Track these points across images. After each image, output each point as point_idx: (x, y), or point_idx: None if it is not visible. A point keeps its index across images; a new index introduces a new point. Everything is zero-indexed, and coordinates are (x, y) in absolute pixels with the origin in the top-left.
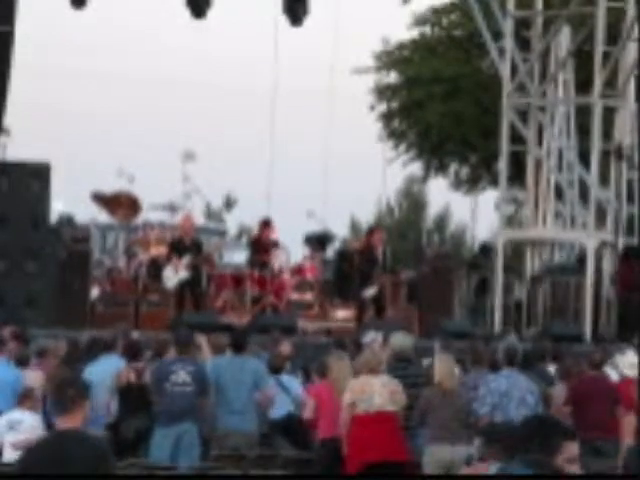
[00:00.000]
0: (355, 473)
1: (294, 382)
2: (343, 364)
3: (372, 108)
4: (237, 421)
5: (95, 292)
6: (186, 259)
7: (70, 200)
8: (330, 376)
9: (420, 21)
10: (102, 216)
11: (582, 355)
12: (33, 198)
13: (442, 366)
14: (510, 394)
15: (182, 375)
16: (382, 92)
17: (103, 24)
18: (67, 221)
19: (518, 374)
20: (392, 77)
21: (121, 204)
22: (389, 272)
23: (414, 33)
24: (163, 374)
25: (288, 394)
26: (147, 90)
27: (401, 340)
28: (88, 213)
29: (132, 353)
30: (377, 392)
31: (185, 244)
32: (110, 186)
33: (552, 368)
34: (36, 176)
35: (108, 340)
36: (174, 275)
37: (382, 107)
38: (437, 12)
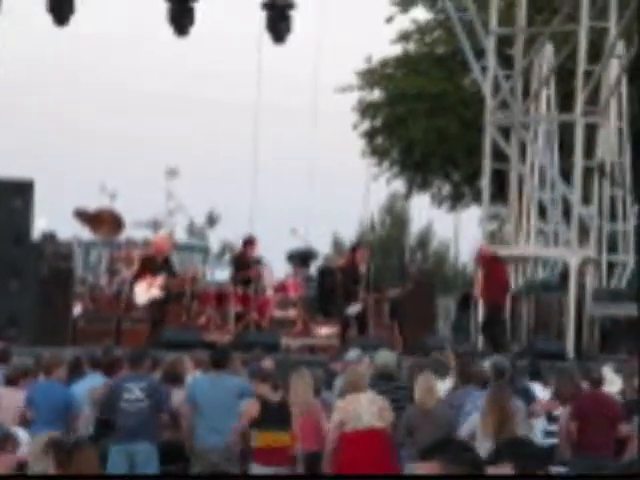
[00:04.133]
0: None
1: None
2: (299, 381)
3: (355, 127)
4: (216, 439)
5: (77, 309)
6: (160, 279)
7: (53, 217)
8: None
9: (403, 38)
10: (85, 233)
11: (567, 372)
12: (16, 215)
13: (422, 385)
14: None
15: (136, 392)
16: (365, 109)
17: (86, 39)
18: (50, 238)
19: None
20: (375, 94)
21: (104, 221)
22: (373, 289)
23: (397, 50)
24: (117, 391)
25: None
26: (130, 106)
27: (384, 357)
28: (71, 230)
29: (112, 370)
30: (365, 409)
31: (156, 262)
32: (93, 203)
33: (536, 386)
34: (19, 193)
35: (93, 358)
36: (145, 292)
37: (366, 125)
38: (420, 30)
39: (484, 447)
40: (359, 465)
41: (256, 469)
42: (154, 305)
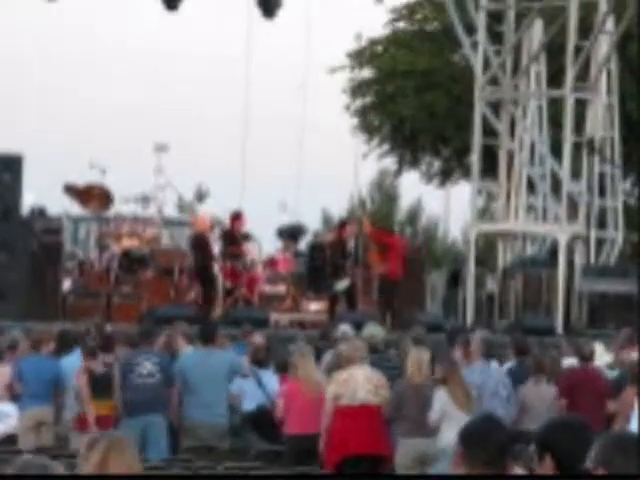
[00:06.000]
0: (340, 466)
1: (269, 376)
2: (307, 360)
3: (347, 108)
4: (206, 414)
5: (67, 284)
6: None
7: (42, 192)
8: (296, 374)
9: (394, 20)
10: (74, 208)
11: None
12: (5, 190)
13: (413, 360)
14: (484, 387)
15: (147, 366)
16: (356, 88)
17: (72, 17)
18: (39, 213)
19: (491, 367)
20: (366, 72)
21: (93, 196)
22: (361, 265)
23: (387, 29)
24: (128, 366)
25: (263, 388)
26: (118, 80)
27: (371, 329)
28: (60, 205)
29: (104, 345)
30: (361, 385)
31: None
32: (82, 178)
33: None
34: (8, 168)
35: (81, 333)
36: None
37: (357, 103)
38: (411, 7)
39: (456, 420)
40: (350, 440)
41: (79, 437)
42: None
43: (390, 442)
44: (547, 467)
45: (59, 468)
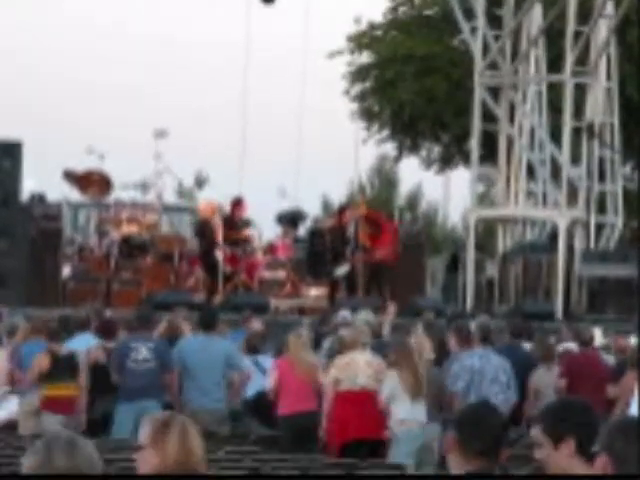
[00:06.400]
0: (341, 450)
1: (269, 361)
2: (300, 341)
3: (347, 92)
4: (205, 400)
5: (67, 270)
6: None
7: (41, 178)
8: (289, 354)
9: (394, 9)
10: (73, 194)
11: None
12: (4, 176)
13: (415, 345)
14: (483, 372)
15: (143, 351)
16: (356, 73)
17: (71, 3)
18: (38, 199)
19: (491, 352)
20: (365, 57)
21: (93, 182)
22: (361, 251)
23: (387, 14)
24: (124, 351)
25: (263, 373)
26: (117, 66)
27: (365, 316)
28: (59, 191)
29: (106, 332)
30: (361, 370)
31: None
32: (81, 164)
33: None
34: (7, 154)
35: (82, 318)
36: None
37: (356, 88)
38: None
39: (403, 404)
40: (350, 424)
41: (45, 417)
42: None
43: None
44: (567, 450)
45: (87, 443)
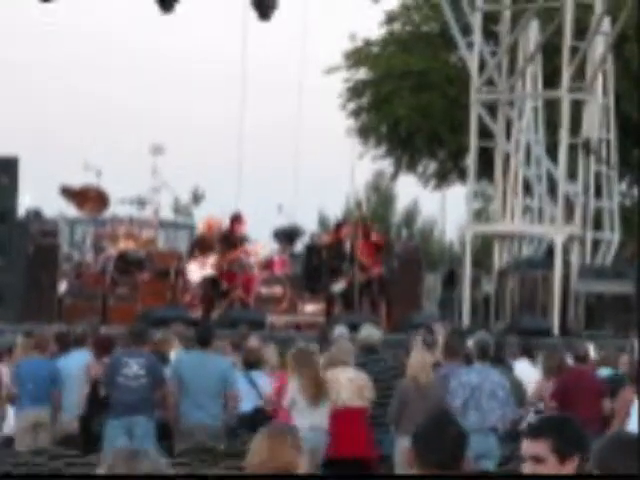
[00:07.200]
0: (325, 468)
1: (262, 377)
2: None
3: (343, 107)
4: (201, 416)
5: (63, 286)
6: (212, 258)
7: (38, 194)
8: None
9: (390, 20)
10: (70, 210)
11: (551, 348)
12: (1, 192)
13: (416, 360)
14: (481, 388)
15: (134, 367)
16: (352, 89)
17: (68, 18)
18: (35, 215)
19: (489, 368)
20: (362, 73)
21: (89, 198)
22: (358, 267)
23: (383, 30)
24: (115, 366)
25: (257, 389)
26: (114, 82)
27: (367, 330)
28: (56, 207)
29: (102, 348)
30: (344, 387)
31: (209, 242)
32: (78, 180)
33: (523, 362)
34: (4, 170)
35: (78, 334)
36: (198, 270)
37: (352, 104)
38: (407, 9)
39: (301, 411)
40: (334, 442)
41: None
42: (206, 283)
43: (375, 443)
44: (572, 466)
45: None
